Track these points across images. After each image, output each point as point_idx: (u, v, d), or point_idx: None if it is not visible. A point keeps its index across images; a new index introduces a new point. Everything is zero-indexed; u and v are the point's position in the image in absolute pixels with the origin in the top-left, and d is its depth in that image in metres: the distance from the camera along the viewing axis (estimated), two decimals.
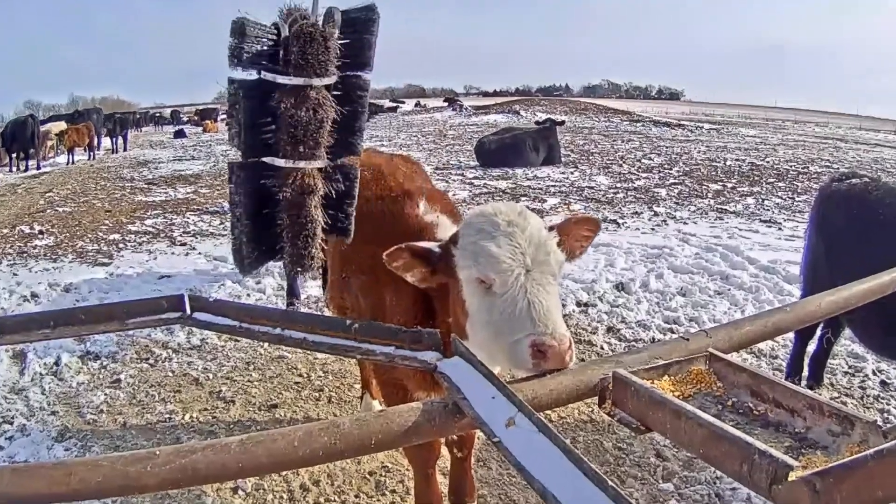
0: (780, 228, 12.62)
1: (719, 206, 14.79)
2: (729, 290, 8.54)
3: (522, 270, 2.53)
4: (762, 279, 8.85)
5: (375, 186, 3.91)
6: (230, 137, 3.58)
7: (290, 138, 3.49)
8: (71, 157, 31.09)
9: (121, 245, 12.06)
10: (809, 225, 5.73)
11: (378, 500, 4.50)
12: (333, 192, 3.57)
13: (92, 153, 33.50)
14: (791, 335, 5.92)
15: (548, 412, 3.01)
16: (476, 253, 2.59)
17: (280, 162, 3.50)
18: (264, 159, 3.53)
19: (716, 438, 1.76)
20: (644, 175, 20.10)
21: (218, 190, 18.36)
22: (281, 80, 3.44)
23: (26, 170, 27.31)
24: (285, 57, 3.45)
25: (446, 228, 3.34)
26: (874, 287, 3.17)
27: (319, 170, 3.56)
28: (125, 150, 38.19)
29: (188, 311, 3.12)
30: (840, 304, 3.06)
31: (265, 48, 3.42)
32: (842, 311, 3.20)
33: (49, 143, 31.26)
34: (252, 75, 3.46)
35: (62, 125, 33.26)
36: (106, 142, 38.93)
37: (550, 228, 2.72)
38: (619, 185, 18.16)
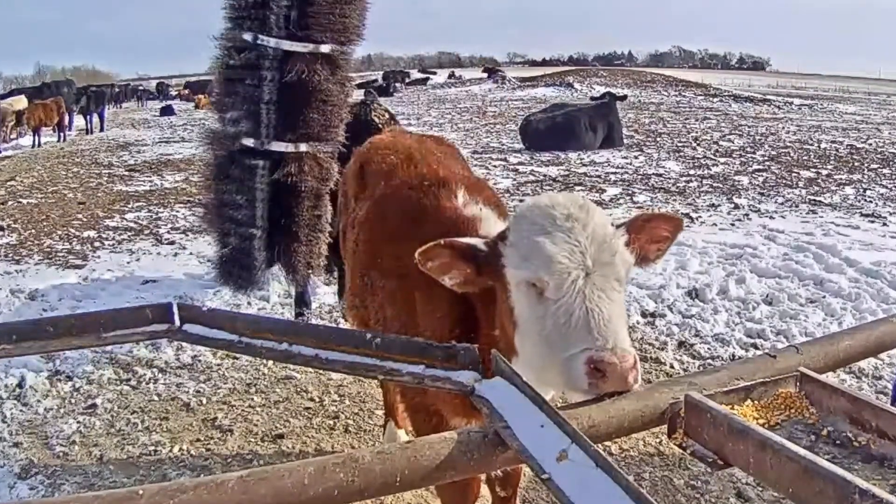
0: (884, 224, 12.48)
1: (812, 198, 14.65)
2: (824, 297, 8.45)
3: (581, 273, 2.48)
4: (864, 284, 8.76)
5: (404, 173, 3.90)
6: (231, 120, 3.47)
7: (319, 116, 3.41)
8: (37, 138, 31.05)
9: (97, 244, 12.18)
10: None
11: None
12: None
13: (62, 134, 33.43)
14: None
15: (607, 443, 2.99)
16: (527, 251, 2.55)
17: (304, 146, 3.41)
18: (280, 145, 3.44)
19: (808, 475, 1.73)
20: (722, 160, 19.97)
21: (215, 187, 18.45)
22: (308, 48, 3.33)
23: None
24: (315, 19, 3.34)
25: (491, 224, 3.30)
26: None
27: (333, 153, 3.52)
28: (102, 130, 38.17)
29: (177, 323, 3.03)
30: None
31: (283, 9, 3.32)
32: None
33: (8, 123, 31.04)
34: (269, 42, 3.36)
35: (23, 100, 33.24)
36: (79, 121, 38.69)
37: (619, 225, 2.68)
38: (692, 172, 18.07)
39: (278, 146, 3.43)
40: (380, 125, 6.96)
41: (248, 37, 3.28)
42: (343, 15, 3.25)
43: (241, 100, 3.37)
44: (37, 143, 30.65)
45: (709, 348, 7.21)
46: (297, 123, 3.41)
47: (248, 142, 3.57)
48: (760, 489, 4.83)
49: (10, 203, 16.02)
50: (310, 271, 3.69)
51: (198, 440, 5.72)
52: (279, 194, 3.44)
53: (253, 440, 5.72)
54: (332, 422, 5.97)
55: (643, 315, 8.12)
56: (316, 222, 3.57)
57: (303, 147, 3.31)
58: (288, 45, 3.27)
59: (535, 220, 2.60)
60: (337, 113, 3.45)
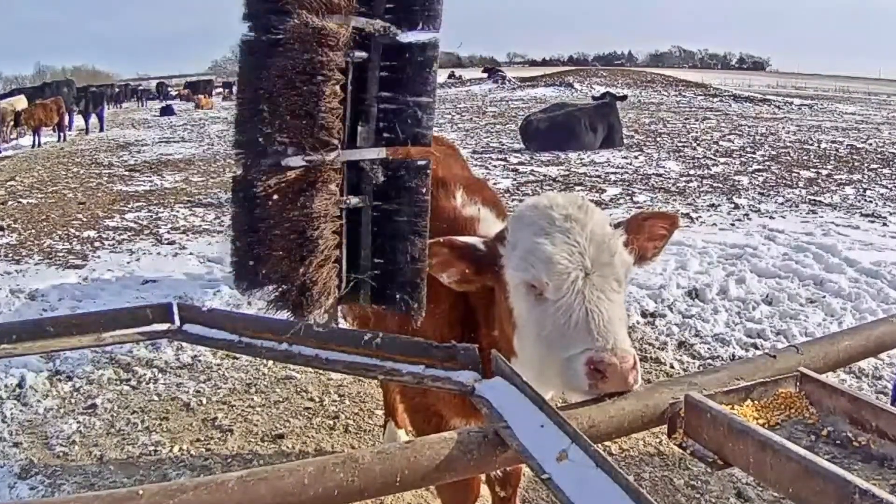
0: (885, 224, 12.47)
1: (812, 198, 14.64)
2: (824, 297, 8.45)
3: (580, 273, 2.49)
4: (864, 284, 8.75)
5: None
6: (240, 122, 3.26)
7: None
8: (37, 138, 30.96)
9: (97, 244, 12.16)
10: None
11: None
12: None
13: (62, 134, 33.24)
14: None
15: (607, 443, 2.99)
16: (526, 252, 2.56)
17: (380, 152, 3.23)
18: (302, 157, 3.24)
19: (808, 475, 1.74)
20: (722, 160, 19.95)
21: (212, 178, 18.47)
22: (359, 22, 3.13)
23: None
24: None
25: (489, 224, 3.31)
26: None
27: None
28: (101, 130, 37.85)
29: (177, 323, 3.08)
30: None
31: None
32: None
33: (8, 123, 30.86)
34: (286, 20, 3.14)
35: (23, 100, 33.17)
36: (78, 121, 38.31)
37: (617, 225, 2.69)
38: (692, 172, 18.06)
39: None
40: None
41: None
42: None
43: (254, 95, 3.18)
44: (37, 143, 30.57)
45: (709, 348, 7.20)
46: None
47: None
48: (760, 489, 4.82)
49: (10, 203, 15.98)
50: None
51: (198, 440, 5.71)
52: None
53: (253, 440, 5.72)
54: (332, 422, 5.96)
55: (643, 315, 8.11)
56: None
57: (375, 153, 3.16)
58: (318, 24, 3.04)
59: (534, 220, 2.61)
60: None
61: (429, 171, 2.95)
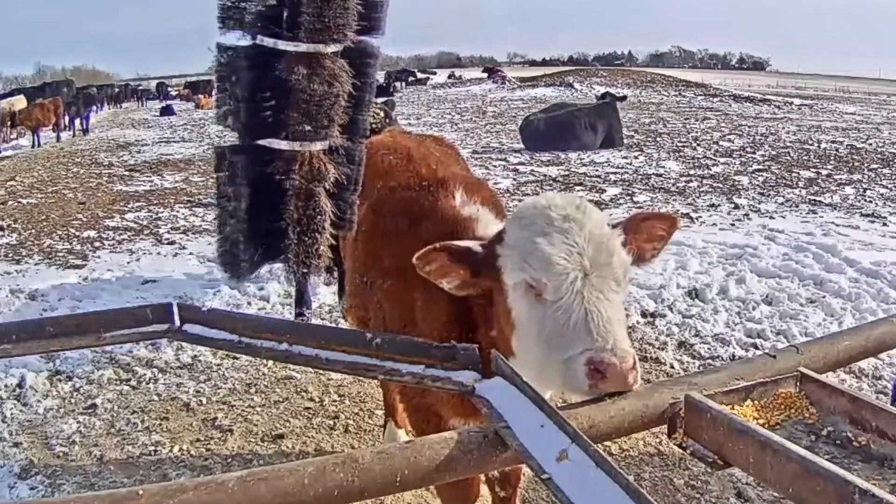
0: (885, 224, 12.50)
1: (812, 198, 14.66)
2: (824, 297, 8.46)
3: (579, 274, 2.48)
4: (864, 285, 8.76)
5: (403, 174, 3.91)
6: (221, 116, 3.52)
7: (302, 115, 3.44)
8: (36, 138, 31.01)
9: (97, 244, 12.20)
10: None
11: None
12: (342, 178, 3.55)
13: (59, 134, 33.22)
14: None
15: (607, 443, 2.99)
16: (525, 253, 2.55)
17: (284, 144, 3.45)
18: (264, 141, 3.48)
19: (808, 475, 1.73)
20: (722, 160, 19.98)
21: (212, 178, 18.45)
22: (288, 46, 3.38)
23: None
24: (293, 18, 3.38)
25: (488, 224, 3.30)
26: None
27: (327, 152, 3.53)
28: (85, 133, 36.97)
29: (177, 323, 3.05)
30: None
31: (266, 7, 3.37)
32: None
33: (7, 122, 31.05)
34: (246, 41, 3.42)
35: (22, 100, 33.16)
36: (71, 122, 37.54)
37: (615, 225, 2.68)
38: (692, 171, 18.08)
39: (264, 143, 3.48)
40: (373, 125, 6.95)
41: (235, 35, 3.35)
42: (321, 15, 3.29)
43: (227, 98, 3.42)
44: (36, 143, 30.60)
45: (709, 348, 7.21)
46: (280, 121, 3.45)
47: (226, 138, 3.70)
48: (760, 489, 4.82)
49: (10, 203, 16.02)
50: (306, 270, 3.69)
51: (198, 440, 5.72)
52: (268, 192, 3.47)
53: (253, 440, 5.72)
54: (332, 422, 5.97)
55: (643, 315, 8.12)
56: (309, 222, 3.57)
57: (283, 144, 3.34)
58: (270, 44, 3.32)
59: (533, 221, 2.61)
60: (324, 112, 3.47)
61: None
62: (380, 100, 9.56)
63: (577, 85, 56.91)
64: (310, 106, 3.39)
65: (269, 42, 3.34)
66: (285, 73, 3.35)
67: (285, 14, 3.37)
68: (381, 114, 7.81)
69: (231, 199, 3.48)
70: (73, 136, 35.67)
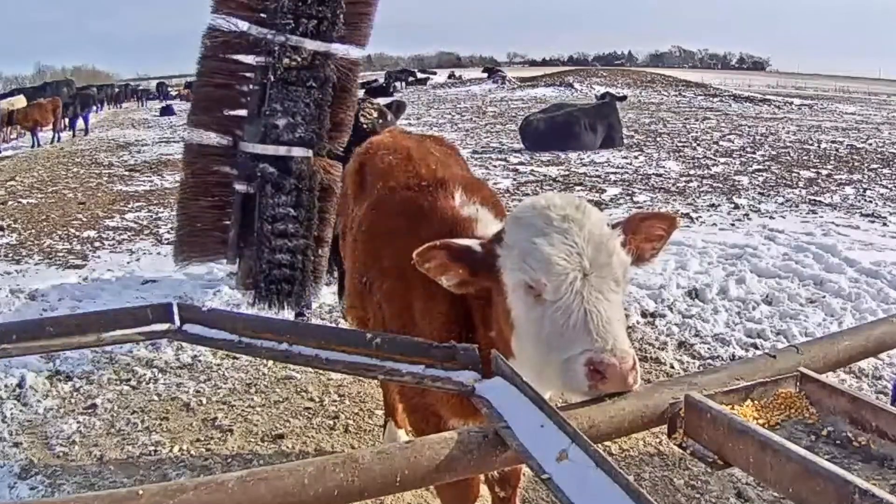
0: (885, 224, 12.49)
1: (812, 198, 14.65)
2: (824, 297, 8.45)
3: (579, 274, 2.48)
4: (864, 285, 8.76)
5: (403, 174, 3.91)
6: (256, 120, 3.46)
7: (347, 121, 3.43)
8: (35, 139, 30.96)
9: (97, 244, 12.20)
10: None
11: None
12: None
13: (57, 134, 33.06)
14: None
15: (607, 443, 2.98)
16: (524, 253, 2.55)
17: (274, 149, 3.44)
18: (294, 150, 3.45)
19: (808, 475, 1.73)
20: (722, 160, 19.96)
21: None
22: (337, 48, 3.35)
23: None
24: (333, 19, 3.33)
25: (487, 224, 3.30)
26: None
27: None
28: (86, 133, 36.60)
29: (177, 323, 3.06)
30: None
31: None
32: None
33: (4, 122, 30.95)
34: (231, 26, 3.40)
35: (22, 100, 33.08)
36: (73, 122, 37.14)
37: (614, 226, 2.68)
38: (692, 171, 18.07)
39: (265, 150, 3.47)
40: (364, 125, 6.96)
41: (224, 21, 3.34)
42: (316, 17, 3.28)
43: (254, 101, 3.42)
44: (36, 143, 30.53)
45: (709, 348, 7.21)
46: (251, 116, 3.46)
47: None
48: (760, 489, 4.82)
49: (10, 203, 16.02)
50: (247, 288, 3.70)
51: (198, 440, 5.72)
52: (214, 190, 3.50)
53: (253, 440, 5.72)
54: (332, 422, 5.97)
55: (643, 315, 8.12)
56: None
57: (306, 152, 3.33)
58: (255, 32, 3.30)
59: (532, 221, 2.61)
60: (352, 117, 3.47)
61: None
62: (386, 100, 9.52)
63: (577, 85, 56.89)
64: (348, 113, 3.40)
65: (254, 31, 3.33)
66: (336, 74, 3.31)
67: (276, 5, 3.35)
68: (375, 114, 7.81)
69: (298, 219, 3.50)
70: (73, 136, 35.38)
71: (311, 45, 3.46)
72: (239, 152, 3.38)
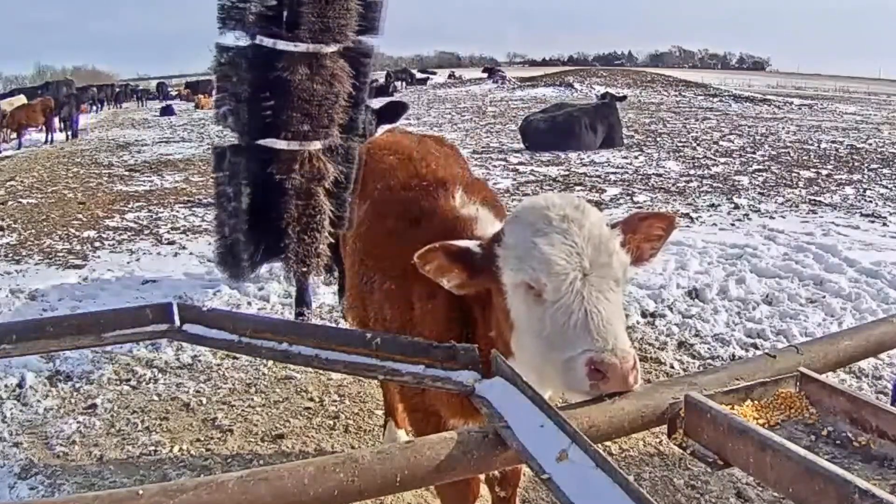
0: (885, 224, 12.48)
1: (812, 198, 14.64)
2: (824, 297, 8.45)
3: (579, 274, 2.48)
4: (864, 285, 8.76)
5: (403, 174, 3.90)
6: (220, 117, 3.54)
7: (302, 115, 3.45)
8: (19, 140, 30.80)
9: (97, 244, 12.19)
10: None
11: None
12: (340, 177, 3.57)
13: (50, 135, 32.77)
14: None
15: (607, 443, 2.98)
16: (524, 253, 2.55)
17: (282, 144, 3.47)
18: (264, 141, 3.50)
19: (808, 475, 1.73)
20: (722, 160, 19.95)
21: (212, 178, 18.42)
22: (288, 46, 3.40)
23: None
24: (293, 18, 3.39)
25: (488, 224, 3.30)
26: None
27: (326, 152, 3.55)
28: (73, 136, 35.32)
29: (177, 323, 3.03)
30: None
31: (266, 8, 3.39)
32: None
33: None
34: (245, 41, 3.44)
35: (22, 100, 33.01)
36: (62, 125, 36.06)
37: (614, 225, 2.68)
38: (692, 172, 18.06)
39: (264, 143, 3.49)
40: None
41: (235, 36, 3.36)
42: (322, 15, 3.30)
43: (227, 98, 3.43)
44: (20, 145, 30.38)
45: (709, 348, 7.20)
46: (280, 121, 3.47)
47: (225, 138, 3.72)
48: (760, 489, 4.82)
49: (10, 203, 16.01)
50: (305, 269, 3.69)
51: (198, 440, 5.72)
52: (267, 191, 3.49)
53: (253, 440, 5.72)
54: (332, 422, 5.97)
55: (643, 315, 8.12)
56: (308, 221, 3.58)
57: (281, 144, 3.36)
58: (270, 44, 3.33)
59: (531, 221, 2.61)
60: (325, 112, 3.48)
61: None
62: (386, 100, 9.51)
63: (577, 85, 56.86)
64: (310, 106, 3.40)
65: (268, 42, 3.36)
66: (285, 72, 3.36)
67: (285, 14, 3.38)
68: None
69: (231, 200, 3.50)
70: (66, 139, 34.46)
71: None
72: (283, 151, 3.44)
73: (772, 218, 12.84)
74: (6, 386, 6.50)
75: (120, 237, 12.58)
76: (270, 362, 6.70)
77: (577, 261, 2.49)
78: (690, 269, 9.46)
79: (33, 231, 13.12)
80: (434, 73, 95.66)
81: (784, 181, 16.56)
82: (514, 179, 17.04)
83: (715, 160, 19.88)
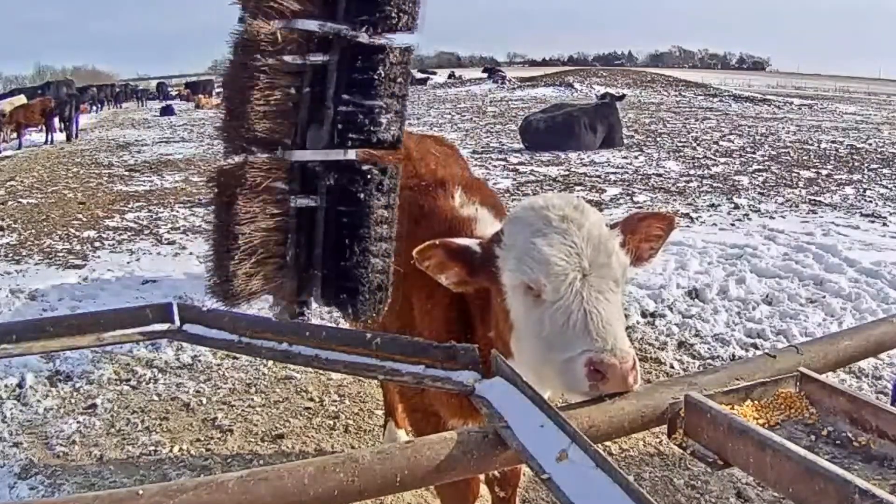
0: (885, 224, 12.46)
1: (812, 198, 14.63)
2: (824, 297, 8.44)
3: (578, 275, 2.49)
4: (864, 285, 8.75)
5: (402, 174, 3.90)
6: (383, 126, 3.28)
7: (398, 118, 3.32)
8: (20, 140, 30.68)
9: (97, 244, 12.17)
10: None
11: None
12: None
13: (50, 135, 32.39)
14: None
15: (607, 443, 2.97)
16: (523, 253, 2.56)
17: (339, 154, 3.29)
18: (352, 153, 3.29)
19: (808, 475, 1.73)
20: (722, 160, 19.94)
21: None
22: (391, 40, 3.22)
23: None
24: (386, 6, 3.18)
25: (487, 224, 3.32)
26: None
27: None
28: (74, 137, 34.54)
29: (177, 323, 3.07)
30: None
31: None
32: None
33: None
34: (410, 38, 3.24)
35: (22, 100, 32.94)
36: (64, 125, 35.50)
37: (613, 226, 2.69)
38: (692, 172, 18.05)
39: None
40: None
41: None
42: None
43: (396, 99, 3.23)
44: (20, 144, 30.26)
45: (709, 348, 7.20)
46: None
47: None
48: (760, 489, 4.82)
49: (10, 203, 15.98)
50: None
51: (198, 440, 5.71)
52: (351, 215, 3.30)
53: (253, 440, 5.72)
54: (332, 422, 5.97)
55: (643, 315, 8.11)
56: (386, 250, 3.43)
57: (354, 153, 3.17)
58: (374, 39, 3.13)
59: (531, 221, 2.61)
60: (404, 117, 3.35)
61: (373, 178, 3.03)
62: None
63: (577, 85, 56.84)
64: (404, 109, 3.26)
65: (379, 38, 3.14)
66: (393, 68, 3.16)
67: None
68: None
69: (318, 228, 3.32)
70: (67, 139, 33.80)
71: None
72: (294, 163, 3.21)
73: (772, 218, 12.83)
74: (6, 386, 6.49)
75: (120, 237, 12.56)
76: (270, 362, 6.69)
77: (576, 261, 2.49)
78: (690, 269, 9.45)
79: (33, 231, 13.10)
80: (434, 73, 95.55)
81: (784, 181, 16.55)
82: (514, 179, 17.02)
83: (715, 160, 19.87)
